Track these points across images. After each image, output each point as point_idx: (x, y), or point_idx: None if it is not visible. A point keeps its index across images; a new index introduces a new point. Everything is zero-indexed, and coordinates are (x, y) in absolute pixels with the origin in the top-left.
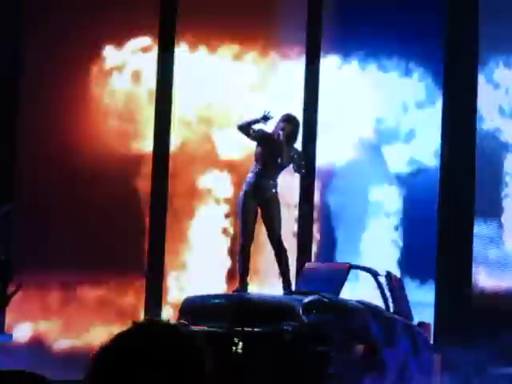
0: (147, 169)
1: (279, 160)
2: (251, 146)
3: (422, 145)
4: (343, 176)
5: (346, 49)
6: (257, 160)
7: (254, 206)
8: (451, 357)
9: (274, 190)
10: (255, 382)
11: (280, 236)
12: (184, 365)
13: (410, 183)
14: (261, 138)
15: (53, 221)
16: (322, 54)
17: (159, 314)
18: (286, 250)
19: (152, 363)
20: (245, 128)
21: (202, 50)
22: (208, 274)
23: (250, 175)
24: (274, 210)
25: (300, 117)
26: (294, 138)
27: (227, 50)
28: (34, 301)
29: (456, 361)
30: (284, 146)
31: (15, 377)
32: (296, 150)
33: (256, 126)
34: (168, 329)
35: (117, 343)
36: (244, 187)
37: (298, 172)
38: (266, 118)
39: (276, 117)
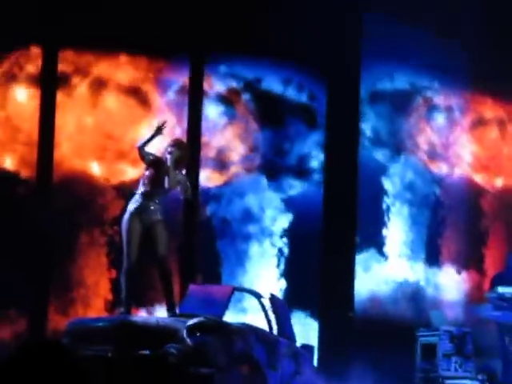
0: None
1: (166, 184)
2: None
3: (307, 170)
4: (228, 196)
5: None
6: (144, 182)
7: (139, 227)
8: (334, 379)
9: (159, 213)
10: None
11: (165, 258)
12: None
13: (294, 207)
14: (151, 162)
15: None
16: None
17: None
18: (170, 273)
19: None
20: (143, 147)
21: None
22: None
23: (135, 197)
24: (159, 232)
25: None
26: (182, 163)
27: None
28: None
29: (339, 383)
30: (171, 170)
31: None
32: (182, 175)
33: (150, 148)
34: (58, 352)
35: (7, 365)
36: (129, 209)
37: (185, 197)
38: (159, 129)
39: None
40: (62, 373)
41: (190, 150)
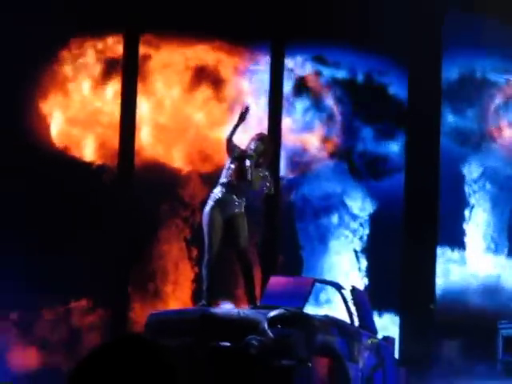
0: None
1: (249, 178)
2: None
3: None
4: (309, 182)
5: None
6: (227, 174)
7: (221, 220)
8: (415, 371)
9: (241, 206)
10: None
11: (246, 251)
12: (158, 381)
13: (375, 198)
14: (237, 155)
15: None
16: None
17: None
18: (251, 265)
19: (128, 380)
20: (231, 139)
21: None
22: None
23: (217, 189)
24: (240, 225)
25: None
26: (266, 158)
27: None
28: None
29: (421, 374)
30: (254, 164)
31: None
32: (266, 170)
33: (236, 140)
34: (144, 345)
35: (93, 360)
36: (210, 201)
37: (268, 192)
38: (243, 116)
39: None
40: (147, 365)
41: (273, 144)
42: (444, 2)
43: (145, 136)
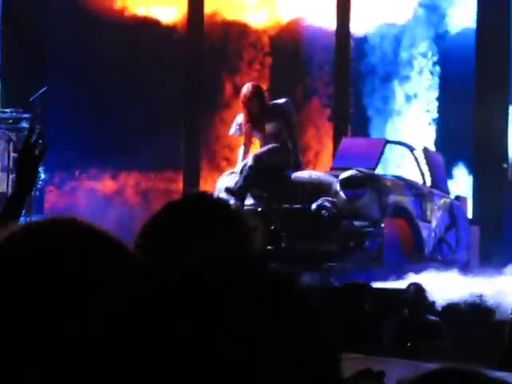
0: None
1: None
2: None
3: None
4: (378, 44)
5: None
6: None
7: None
8: (488, 230)
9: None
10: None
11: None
12: (235, 244)
13: (446, 53)
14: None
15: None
16: None
17: None
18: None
19: (203, 238)
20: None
21: None
22: None
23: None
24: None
25: None
26: (253, 98)
27: None
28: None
29: (494, 233)
30: (251, 109)
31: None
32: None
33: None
34: (221, 203)
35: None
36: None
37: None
38: None
39: None
40: (228, 225)
41: (252, 88)
42: None
43: None
